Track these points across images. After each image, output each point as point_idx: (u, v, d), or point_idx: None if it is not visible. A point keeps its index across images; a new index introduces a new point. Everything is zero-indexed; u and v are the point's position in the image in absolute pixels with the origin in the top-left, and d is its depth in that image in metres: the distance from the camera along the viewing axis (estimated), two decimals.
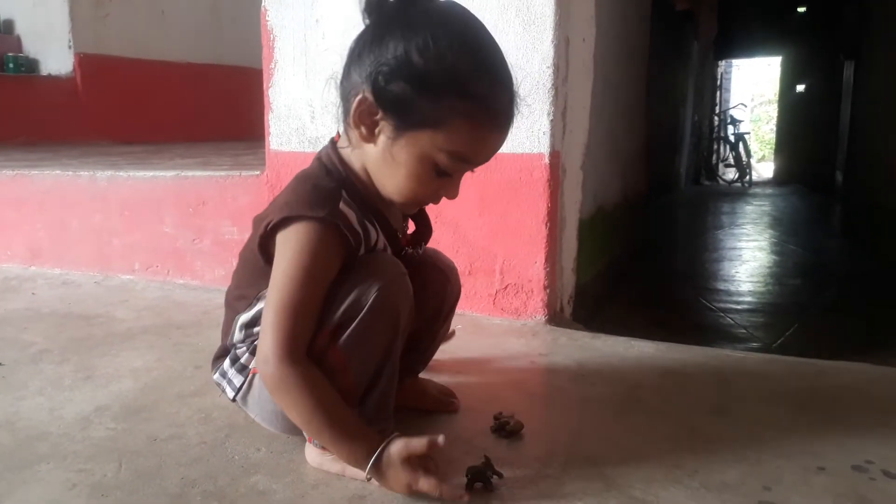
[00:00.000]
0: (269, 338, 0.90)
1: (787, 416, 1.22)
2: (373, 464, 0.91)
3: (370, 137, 0.93)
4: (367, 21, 0.92)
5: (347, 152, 0.99)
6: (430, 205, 1.03)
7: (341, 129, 1.00)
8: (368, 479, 0.94)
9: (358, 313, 0.91)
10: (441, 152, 0.90)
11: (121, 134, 4.93)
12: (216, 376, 1.11)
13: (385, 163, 0.94)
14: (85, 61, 5.09)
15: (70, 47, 5.07)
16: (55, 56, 5.14)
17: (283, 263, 0.93)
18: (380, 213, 1.00)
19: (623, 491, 0.97)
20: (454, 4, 0.92)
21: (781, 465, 1.04)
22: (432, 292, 1.17)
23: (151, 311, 1.96)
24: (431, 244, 1.18)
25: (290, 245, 0.93)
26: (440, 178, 0.93)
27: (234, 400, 1.09)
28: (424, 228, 1.14)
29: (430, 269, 1.16)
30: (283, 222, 0.93)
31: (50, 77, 5.14)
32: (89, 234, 2.39)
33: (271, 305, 0.92)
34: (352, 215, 0.94)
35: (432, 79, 0.86)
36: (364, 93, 0.89)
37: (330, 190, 0.96)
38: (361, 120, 0.91)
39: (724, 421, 1.21)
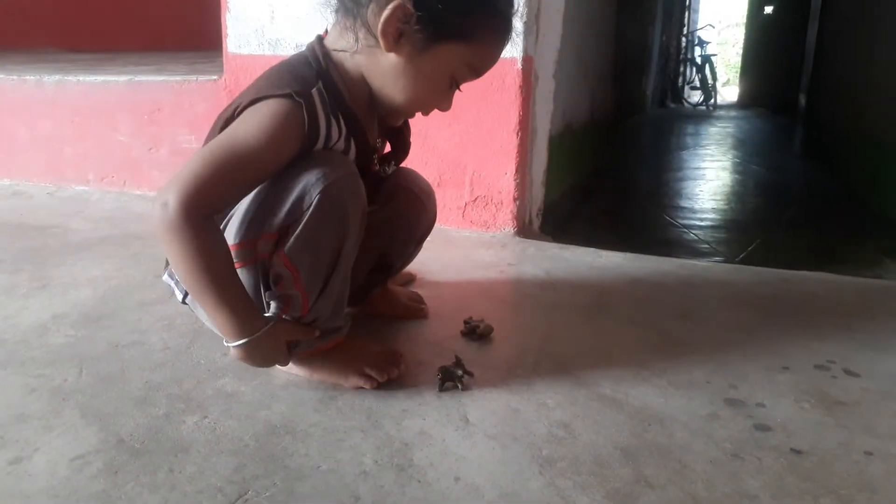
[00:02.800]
0: (181, 180, 0.81)
1: (753, 321, 1.24)
2: (258, 337, 0.88)
3: (392, 46, 0.88)
4: None
5: (341, 55, 0.94)
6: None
7: (333, 31, 0.95)
8: (231, 346, 0.89)
9: (302, 216, 0.87)
10: (463, 65, 0.92)
11: (69, 41, 4.65)
12: (165, 276, 1.05)
13: (405, 73, 0.91)
14: None
15: None
16: None
17: (233, 127, 0.87)
18: (356, 120, 0.95)
19: (592, 389, 0.98)
20: None
21: (747, 365, 1.06)
22: (407, 218, 1.15)
23: (108, 221, 1.89)
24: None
25: (248, 116, 0.88)
26: (448, 91, 0.95)
27: (184, 302, 1.03)
28: (400, 149, 1.10)
29: (408, 193, 1.13)
30: (251, 103, 0.88)
31: None
32: (39, 142, 2.28)
33: (201, 153, 0.84)
34: (320, 107, 0.89)
35: None
36: (402, 1, 0.85)
37: (305, 76, 0.91)
38: (389, 29, 0.87)
39: (690, 325, 1.22)
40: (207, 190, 0.82)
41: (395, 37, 0.87)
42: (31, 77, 2.27)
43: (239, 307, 0.88)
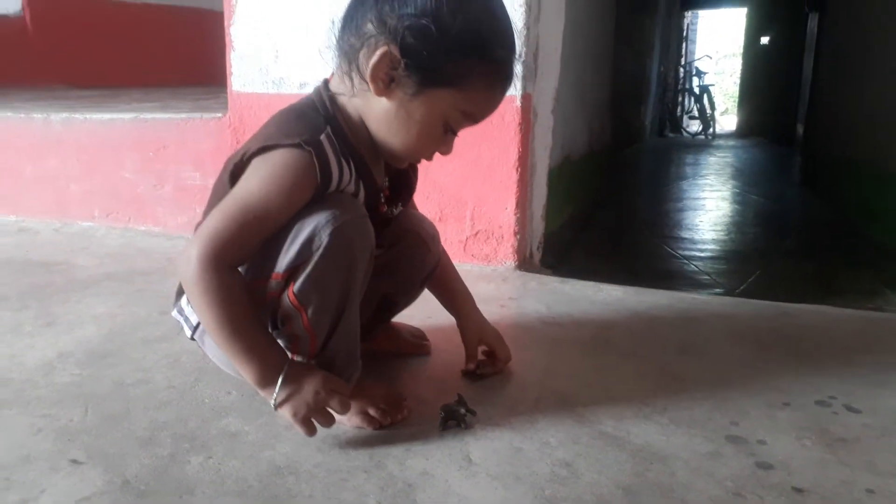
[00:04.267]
0: (202, 238, 0.86)
1: (753, 356, 1.25)
2: (284, 380, 0.89)
3: (383, 91, 0.90)
4: None
5: (343, 99, 0.96)
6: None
7: (335, 74, 0.97)
8: (276, 404, 0.89)
9: (311, 256, 0.89)
10: (456, 111, 0.92)
11: (74, 77, 4.71)
12: (174, 313, 1.08)
13: (397, 118, 0.92)
14: (35, 0, 4.84)
15: None
16: None
17: (247, 179, 0.90)
18: (363, 163, 0.97)
19: (594, 427, 0.98)
20: None
21: (748, 402, 1.06)
22: (411, 259, 1.14)
23: (113, 258, 1.91)
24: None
25: (260, 166, 0.90)
26: (445, 136, 0.95)
27: (192, 338, 1.06)
28: (404, 189, 1.11)
29: (413, 236, 1.13)
30: (260, 151, 0.90)
31: None
32: (45, 179, 2.31)
33: (219, 209, 0.88)
34: (330, 152, 0.91)
35: (461, 39, 0.86)
36: (388, 46, 0.86)
37: (314, 122, 0.93)
38: (379, 74, 0.88)
39: (691, 360, 1.23)
40: (226, 245, 0.86)
41: (386, 82, 0.89)
42: (39, 115, 2.30)
43: (265, 350, 0.90)
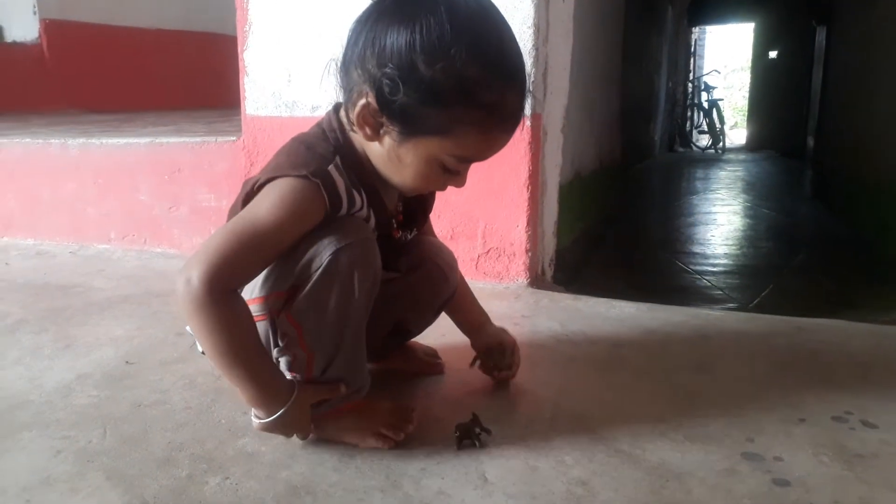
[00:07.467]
0: (204, 257, 0.84)
1: (768, 371, 1.25)
2: (286, 410, 0.92)
3: (374, 137, 0.90)
4: None
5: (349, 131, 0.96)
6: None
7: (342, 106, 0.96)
8: (263, 426, 0.93)
9: (311, 277, 0.89)
10: (449, 156, 0.88)
11: (90, 102, 4.79)
12: (188, 328, 1.09)
13: (390, 160, 0.91)
14: (51, 27, 4.92)
15: (35, 13, 4.89)
16: (20, 22, 4.95)
17: (254, 204, 0.90)
18: (374, 191, 0.96)
19: (610, 445, 0.98)
20: None
21: (763, 418, 1.06)
22: (429, 288, 1.14)
23: (130, 280, 1.93)
24: None
25: (268, 192, 0.89)
26: (446, 174, 0.92)
27: (203, 353, 1.06)
28: (419, 212, 1.10)
29: (432, 265, 1.13)
30: (269, 181, 0.91)
31: (15, 44, 4.96)
32: (62, 203, 2.34)
33: (223, 230, 0.87)
34: (340, 181, 0.91)
35: (440, 89, 0.82)
36: (367, 97, 0.86)
37: (322, 152, 0.92)
38: (366, 122, 0.88)
39: (706, 377, 1.23)
40: (230, 265, 0.85)
41: (374, 128, 0.89)
42: (56, 140, 2.34)
43: (267, 380, 0.91)
